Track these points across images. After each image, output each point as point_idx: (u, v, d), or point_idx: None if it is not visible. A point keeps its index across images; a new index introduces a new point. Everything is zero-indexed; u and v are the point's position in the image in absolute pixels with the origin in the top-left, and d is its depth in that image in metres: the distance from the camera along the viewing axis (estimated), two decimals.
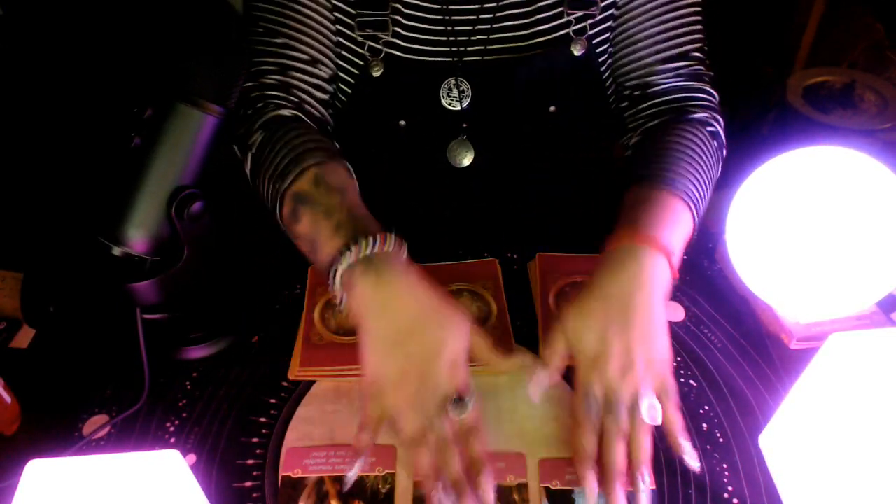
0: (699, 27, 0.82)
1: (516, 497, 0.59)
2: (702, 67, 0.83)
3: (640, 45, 0.81)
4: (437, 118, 0.82)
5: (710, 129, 0.80)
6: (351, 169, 0.74)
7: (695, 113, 0.81)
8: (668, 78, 0.82)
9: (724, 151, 0.82)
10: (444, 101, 0.81)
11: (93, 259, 0.66)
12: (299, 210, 0.69)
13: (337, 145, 0.79)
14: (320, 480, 0.61)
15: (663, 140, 0.77)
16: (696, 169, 0.73)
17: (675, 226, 0.68)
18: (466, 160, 0.84)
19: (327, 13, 0.79)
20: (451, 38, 0.80)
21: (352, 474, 0.59)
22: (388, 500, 0.59)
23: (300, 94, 0.80)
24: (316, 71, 0.80)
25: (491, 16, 0.79)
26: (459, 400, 0.58)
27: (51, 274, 0.76)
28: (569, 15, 0.79)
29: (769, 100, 1.93)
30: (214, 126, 0.62)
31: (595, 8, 0.79)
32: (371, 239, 0.62)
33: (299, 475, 0.61)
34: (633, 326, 0.61)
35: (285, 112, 0.78)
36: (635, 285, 0.62)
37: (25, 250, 0.80)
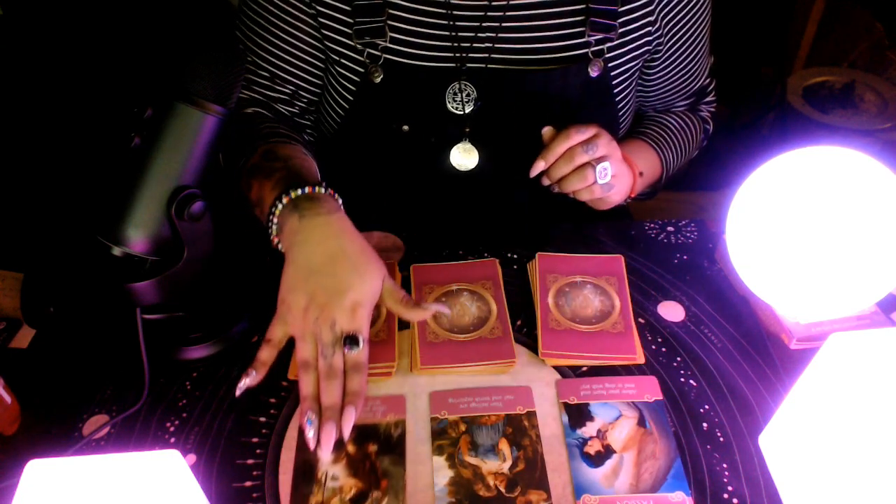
0: (708, 50, 0.95)
1: (526, 423, 0.65)
2: (711, 87, 0.99)
3: (667, 87, 0.95)
4: (441, 122, 0.82)
5: (706, 126, 1.00)
6: (307, 148, 0.80)
7: (700, 111, 1.00)
8: (686, 103, 0.99)
9: (706, 143, 1.03)
10: (449, 106, 0.81)
11: (93, 259, 0.66)
12: (249, 181, 0.75)
13: (303, 136, 0.86)
14: None
15: (666, 115, 0.97)
16: (678, 143, 0.94)
17: (644, 157, 0.89)
18: (470, 164, 0.84)
19: (304, 28, 0.81)
20: (455, 45, 0.80)
21: (243, 384, 0.63)
22: (400, 442, 0.63)
23: (261, 108, 0.85)
24: (275, 86, 0.85)
25: (497, 24, 0.79)
26: (352, 338, 0.63)
27: (51, 274, 0.76)
28: (589, 36, 0.80)
29: (769, 100, 1.93)
30: (214, 126, 0.62)
31: (614, 33, 0.81)
32: (301, 188, 0.68)
33: None
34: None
35: (248, 110, 0.84)
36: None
37: (25, 250, 0.80)
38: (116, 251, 0.63)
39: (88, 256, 0.71)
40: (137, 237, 0.63)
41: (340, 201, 0.70)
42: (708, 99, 1.01)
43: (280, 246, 0.68)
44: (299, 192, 0.67)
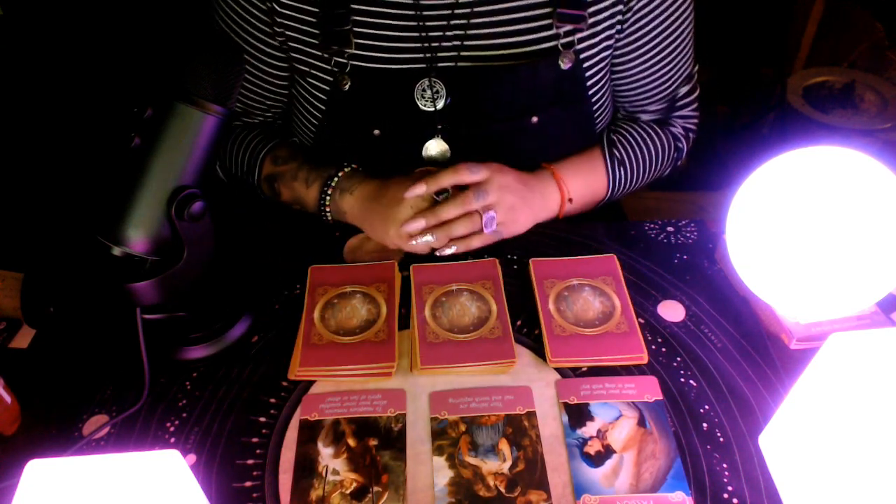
0: (692, 50, 0.89)
1: (526, 423, 0.65)
2: (689, 97, 0.92)
3: (640, 87, 0.89)
4: (412, 121, 0.82)
5: (678, 144, 0.94)
6: (296, 144, 0.92)
7: (673, 127, 0.93)
8: (660, 109, 0.92)
9: (680, 162, 0.97)
10: (420, 104, 0.81)
11: (93, 259, 0.66)
12: (274, 187, 0.88)
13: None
14: (336, 422, 0.65)
15: (632, 127, 0.92)
16: (636, 159, 0.90)
17: (585, 180, 0.88)
18: (441, 159, 0.85)
19: (267, 59, 0.85)
20: (426, 45, 0.80)
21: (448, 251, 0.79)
22: (400, 437, 0.64)
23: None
24: (248, 120, 0.92)
25: (465, 21, 0.79)
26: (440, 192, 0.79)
27: (51, 274, 0.76)
28: (557, 28, 0.79)
29: (769, 100, 1.93)
30: (214, 126, 0.62)
31: (583, 23, 0.79)
32: (335, 173, 0.83)
33: (316, 418, 0.65)
34: (516, 190, 0.81)
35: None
36: (533, 184, 0.84)
37: (25, 250, 0.80)
38: (116, 251, 0.63)
39: (88, 256, 0.71)
40: (137, 237, 0.63)
41: (354, 165, 0.85)
42: (685, 113, 0.94)
43: (336, 218, 0.85)
44: (336, 179, 0.83)
